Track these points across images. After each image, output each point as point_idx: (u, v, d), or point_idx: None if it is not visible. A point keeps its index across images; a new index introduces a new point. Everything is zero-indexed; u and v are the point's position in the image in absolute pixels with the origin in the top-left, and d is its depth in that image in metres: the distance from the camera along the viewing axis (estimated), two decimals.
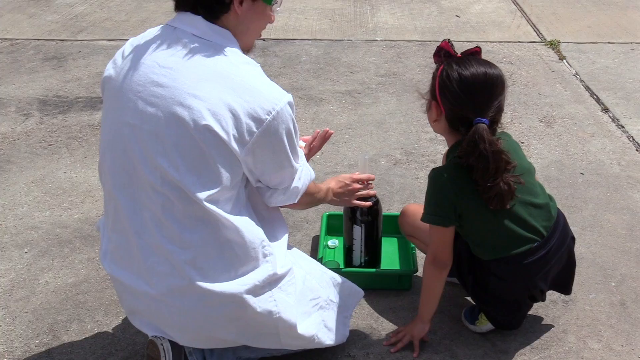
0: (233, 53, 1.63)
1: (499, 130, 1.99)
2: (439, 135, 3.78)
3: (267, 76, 1.67)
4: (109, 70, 1.70)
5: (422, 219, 2.03)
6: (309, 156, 2.23)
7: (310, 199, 1.94)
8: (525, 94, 4.31)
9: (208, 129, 1.54)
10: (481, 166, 1.87)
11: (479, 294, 2.15)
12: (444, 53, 2.00)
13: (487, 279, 2.08)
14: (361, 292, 2.13)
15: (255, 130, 1.57)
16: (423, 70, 4.73)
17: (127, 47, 1.71)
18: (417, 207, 2.31)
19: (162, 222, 1.63)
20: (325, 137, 2.25)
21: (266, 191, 1.77)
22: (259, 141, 1.59)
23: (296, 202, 1.83)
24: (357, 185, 2.24)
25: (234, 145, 1.57)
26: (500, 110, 1.94)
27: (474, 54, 2.00)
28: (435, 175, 1.98)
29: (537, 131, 3.82)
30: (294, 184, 1.78)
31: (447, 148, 2.09)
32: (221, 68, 1.58)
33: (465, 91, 1.90)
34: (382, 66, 4.81)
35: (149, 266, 1.67)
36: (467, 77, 1.91)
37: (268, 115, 1.58)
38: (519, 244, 2.01)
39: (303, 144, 2.23)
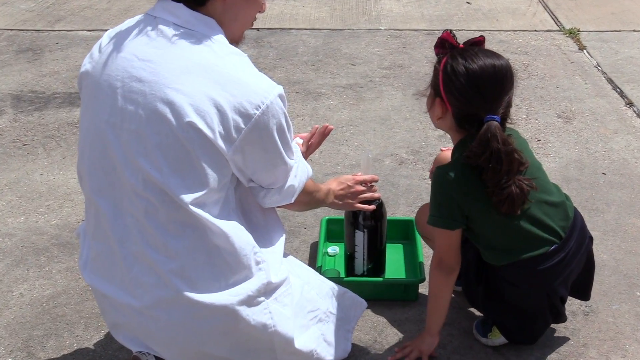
0: (218, 43, 1.62)
1: (508, 127, 2.00)
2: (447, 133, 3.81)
3: (260, 69, 1.67)
4: (86, 65, 1.70)
5: (428, 222, 2.03)
6: (307, 154, 2.23)
7: (308, 197, 1.93)
8: (542, 88, 4.31)
9: (192, 126, 1.54)
10: (492, 167, 1.87)
11: (491, 306, 2.15)
12: (448, 45, 1.98)
13: (500, 288, 2.08)
14: (364, 303, 2.13)
15: (243, 126, 1.57)
16: (431, 62, 4.69)
17: (105, 39, 1.71)
18: None
19: (145, 229, 1.63)
20: (324, 133, 2.25)
21: (260, 191, 1.77)
22: (247, 138, 1.59)
23: (292, 201, 1.83)
24: (360, 187, 2.24)
25: (221, 143, 1.57)
26: (509, 105, 1.95)
27: (478, 43, 1.98)
28: (440, 175, 1.98)
29: (555, 128, 3.82)
30: (289, 183, 1.78)
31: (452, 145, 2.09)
32: (205, 60, 1.58)
33: (473, 87, 1.89)
34: (386, 58, 4.81)
35: (132, 276, 1.67)
36: (475, 71, 1.89)
37: (257, 109, 1.58)
38: (535, 246, 2.01)
39: (300, 142, 2.23)
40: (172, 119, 1.54)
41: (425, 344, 2.16)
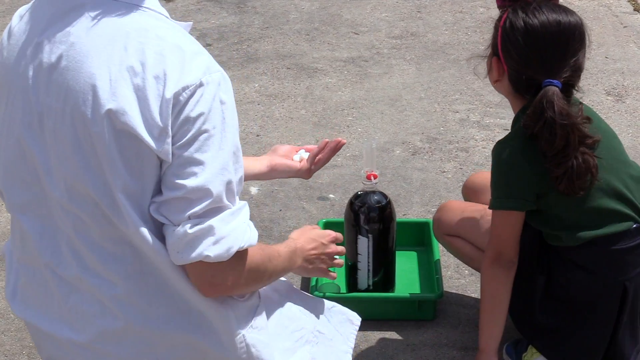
0: (148, 15, 1.61)
1: (576, 97, 2.08)
2: (471, 115, 3.84)
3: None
4: None
5: (491, 206, 2.09)
6: (311, 172, 2.21)
7: (256, 274, 1.67)
8: (588, 58, 4.29)
9: (109, 115, 1.53)
10: (546, 139, 1.95)
11: (550, 306, 2.15)
12: None
13: (567, 278, 2.11)
14: (357, 317, 2.09)
15: (169, 112, 1.55)
16: (450, 30, 4.73)
17: (15, 19, 1.70)
18: (461, 204, 2.35)
19: (79, 249, 1.62)
20: (335, 149, 2.24)
21: (169, 227, 1.57)
22: (177, 130, 1.56)
23: (228, 258, 1.57)
24: (338, 248, 2.02)
25: (145, 136, 1.54)
26: (578, 70, 2.04)
27: None
28: (502, 150, 2.06)
29: (604, 107, 3.83)
30: (227, 213, 1.57)
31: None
32: (129, 37, 1.55)
33: (531, 45, 1.99)
34: (396, 24, 4.82)
35: (71, 306, 1.66)
36: (534, 27, 1.99)
37: (184, 92, 1.55)
38: (616, 221, 2.07)
39: (306, 155, 2.21)
40: (88, 111, 1.53)
41: None
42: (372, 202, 2.43)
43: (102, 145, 1.54)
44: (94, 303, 1.65)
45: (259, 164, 2.16)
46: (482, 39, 4.58)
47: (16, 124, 1.62)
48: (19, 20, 1.68)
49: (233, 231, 1.55)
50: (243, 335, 1.70)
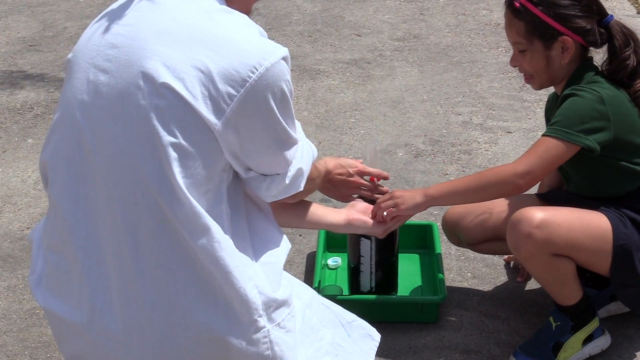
0: (210, 1, 1.64)
1: None
2: (474, 118, 3.84)
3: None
4: (74, 48, 1.75)
5: (546, 133, 2.15)
6: (387, 231, 2.26)
7: (311, 185, 1.93)
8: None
9: (167, 88, 1.54)
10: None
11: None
12: None
13: None
14: (376, 333, 2.09)
15: (235, 93, 1.56)
16: (453, 32, 4.73)
17: (97, 17, 1.75)
18: (562, 212, 2.23)
19: (115, 235, 1.63)
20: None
21: (262, 181, 1.74)
22: (241, 109, 1.57)
23: (302, 188, 1.81)
24: (361, 180, 2.24)
25: (207, 114, 1.56)
26: None
27: None
28: (585, 94, 2.16)
29: None
30: (296, 165, 1.77)
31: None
32: (190, 18, 1.59)
33: None
34: (399, 27, 4.82)
35: (97, 295, 1.68)
36: None
37: (252, 73, 1.57)
38: None
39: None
40: (144, 85, 1.55)
41: (407, 197, 2.21)
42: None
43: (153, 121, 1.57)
44: (121, 292, 1.65)
45: (338, 216, 2.19)
46: (485, 41, 4.59)
47: (74, 102, 1.64)
48: (98, 17, 1.74)
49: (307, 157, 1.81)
50: (268, 330, 1.69)
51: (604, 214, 2.20)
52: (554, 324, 2.27)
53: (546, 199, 2.41)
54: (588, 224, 2.18)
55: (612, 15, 2.22)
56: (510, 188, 2.17)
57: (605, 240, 2.17)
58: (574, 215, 2.19)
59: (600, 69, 2.24)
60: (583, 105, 2.15)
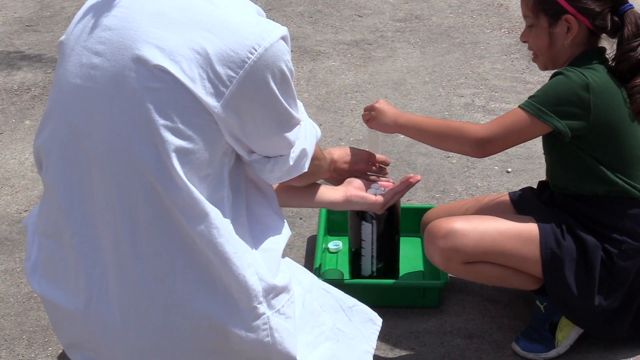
0: None
1: None
2: (476, 100, 3.82)
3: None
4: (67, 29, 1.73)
5: (522, 105, 2.13)
6: (385, 205, 2.24)
7: (315, 167, 1.92)
8: None
9: (162, 71, 1.52)
10: None
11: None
12: None
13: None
14: (379, 319, 2.10)
15: (234, 75, 1.54)
16: (455, 13, 4.70)
17: None
18: (467, 219, 2.24)
19: (111, 220, 1.62)
20: (410, 185, 2.27)
21: (265, 163, 1.73)
22: (241, 91, 1.56)
23: (307, 169, 1.81)
24: (367, 167, 2.24)
25: (205, 97, 1.54)
26: None
27: None
28: (574, 74, 2.10)
29: None
30: (300, 146, 1.75)
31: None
32: (185, 0, 1.57)
33: None
34: (400, 7, 4.79)
35: (94, 281, 1.67)
36: None
37: (251, 54, 1.55)
38: None
39: (379, 189, 2.25)
40: (138, 68, 1.53)
41: (382, 114, 2.26)
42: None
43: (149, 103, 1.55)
44: (118, 279, 1.64)
45: (336, 193, 2.19)
46: (488, 22, 4.56)
47: (67, 85, 1.63)
48: None
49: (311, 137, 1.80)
50: (268, 317, 1.68)
51: (539, 223, 2.17)
52: (541, 306, 2.28)
53: (521, 207, 2.37)
54: (515, 234, 2.17)
55: (631, 5, 2.15)
56: (467, 149, 2.19)
57: (531, 250, 2.15)
58: (496, 224, 2.18)
59: (608, 61, 2.17)
60: (564, 87, 2.10)
